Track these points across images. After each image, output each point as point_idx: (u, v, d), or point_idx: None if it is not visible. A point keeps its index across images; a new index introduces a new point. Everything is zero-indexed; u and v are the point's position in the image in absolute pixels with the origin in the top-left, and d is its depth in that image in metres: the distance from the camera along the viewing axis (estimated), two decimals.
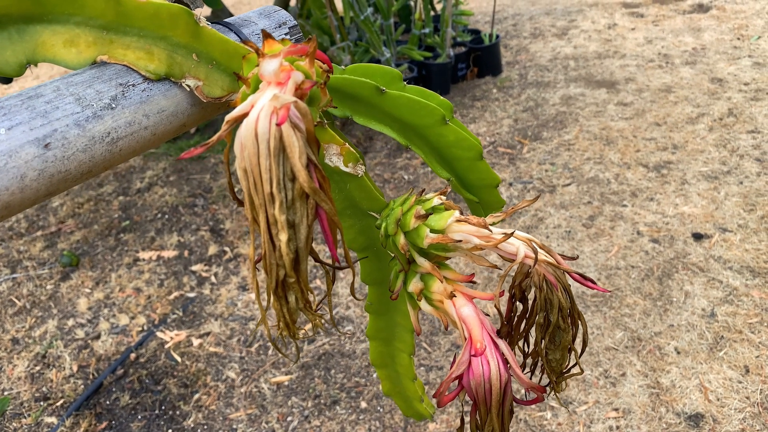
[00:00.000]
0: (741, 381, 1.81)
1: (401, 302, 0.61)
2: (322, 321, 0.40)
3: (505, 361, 0.46)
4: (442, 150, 0.54)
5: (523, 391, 0.47)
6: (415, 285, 0.52)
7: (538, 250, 0.45)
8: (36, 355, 2.23)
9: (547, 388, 0.49)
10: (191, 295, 2.43)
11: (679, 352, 1.93)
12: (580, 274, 0.46)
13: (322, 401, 1.94)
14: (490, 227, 0.47)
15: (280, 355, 2.13)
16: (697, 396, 1.79)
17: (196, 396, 2.01)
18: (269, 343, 2.18)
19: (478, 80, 3.98)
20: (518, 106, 3.59)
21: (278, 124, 0.32)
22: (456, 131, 0.53)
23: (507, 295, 0.50)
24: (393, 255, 0.54)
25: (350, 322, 2.21)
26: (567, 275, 0.46)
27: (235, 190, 0.41)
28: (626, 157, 2.93)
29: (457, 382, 0.47)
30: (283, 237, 0.34)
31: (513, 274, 0.49)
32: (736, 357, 1.88)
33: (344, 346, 2.12)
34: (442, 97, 0.54)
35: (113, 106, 0.43)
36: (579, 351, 0.49)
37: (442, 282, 0.49)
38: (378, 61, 3.57)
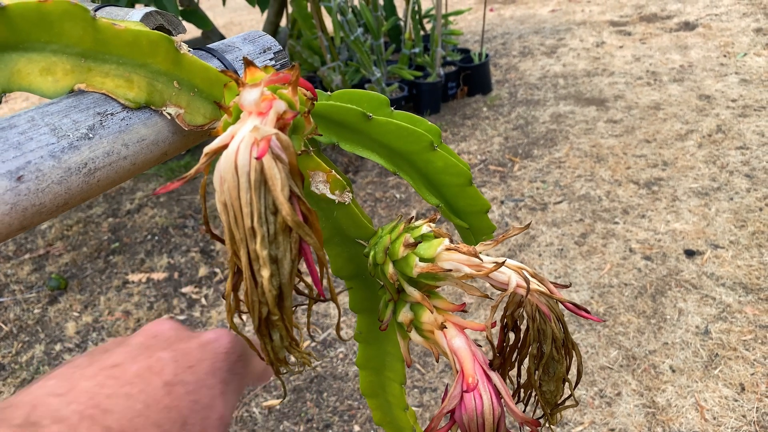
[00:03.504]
0: (737, 399, 1.79)
1: (391, 331, 0.60)
2: (310, 359, 0.39)
3: (498, 395, 0.44)
4: (430, 176, 0.53)
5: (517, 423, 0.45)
6: (404, 315, 0.50)
7: (530, 279, 0.44)
8: (23, 382, 2.19)
9: (542, 420, 0.48)
10: (181, 317, 2.40)
11: (674, 371, 1.92)
12: (574, 304, 0.45)
13: (314, 425, 1.90)
14: (481, 255, 0.46)
15: (271, 378, 2.09)
16: (694, 415, 1.77)
17: None
18: None
19: (469, 99, 3.99)
20: (508, 125, 3.60)
21: (258, 158, 0.30)
22: (444, 157, 0.52)
23: (499, 325, 0.48)
24: (382, 284, 0.53)
25: (342, 344, 2.18)
26: (560, 304, 0.45)
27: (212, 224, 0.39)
28: (617, 174, 2.93)
29: (449, 416, 0.46)
30: (266, 273, 0.32)
31: (505, 303, 0.47)
32: (732, 375, 1.87)
33: (336, 368, 2.09)
34: (430, 123, 0.53)
35: (91, 136, 0.42)
36: (574, 382, 0.47)
37: (432, 312, 0.48)
38: (369, 81, 3.58)
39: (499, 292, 0.47)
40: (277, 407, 1.98)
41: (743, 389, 1.82)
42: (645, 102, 3.61)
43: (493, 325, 0.45)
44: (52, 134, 0.40)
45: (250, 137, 0.32)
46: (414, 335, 0.50)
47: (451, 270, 0.46)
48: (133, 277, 2.65)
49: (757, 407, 1.76)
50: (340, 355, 2.14)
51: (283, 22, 3.79)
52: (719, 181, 2.77)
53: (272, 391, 2.04)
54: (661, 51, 4.31)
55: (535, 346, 0.45)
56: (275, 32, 3.51)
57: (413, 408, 1.66)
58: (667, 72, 3.96)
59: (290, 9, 3.73)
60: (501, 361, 0.47)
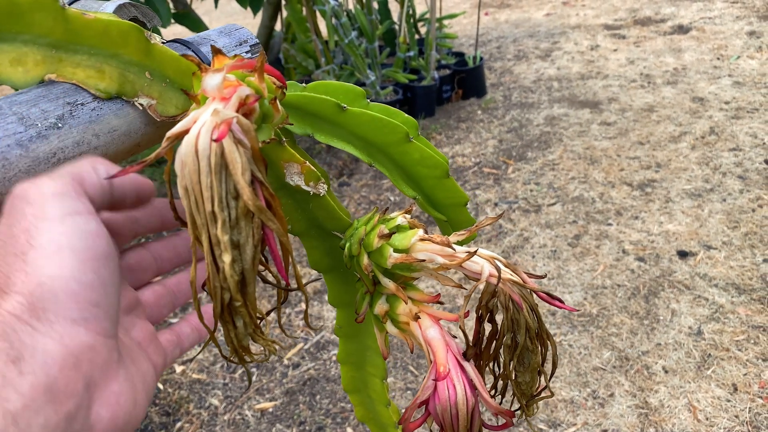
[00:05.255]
0: (729, 399, 1.79)
1: (370, 325, 0.59)
2: (275, 347, 0.38)
3: (473, 385, 0.44)
4: (407, 168, 0.53)
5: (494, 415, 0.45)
6: (380, 307, 0.50)
7: (502, 268, 0.44)
8: None
9: (518, 412, 0.48)
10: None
11: (667, 371, 1.91)
12: (547, 293, 0.44)
13: (307, 428, 1.90)
14: (454, 246, 0.46)
15: (264, 381, 2.09)
16: (686, 415, 1.77)
17: (179, 424, 1.96)
18: (254, 369, 2.14)
19: (463, 102, 4.00)
20: (503, 127, 3.60)
21: (216, 140, 0.30)
22: (421, 149, 0.51)
23: (474, 316, 0.48)
24: (359, 276, 0.52)
25: (335, 347, 2.17)
26: (534, 294, 0.45)
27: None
28: (610, 176, 2.94)
29: (423, 408, 0.46)
30: (227, 258, 0.32)
31: (480, 293, 0.47)
32: (724, 375, 1.87)
33: (329, 370, 2.09)
34: (406, 115, 0.53)
35: (60, 125, 0.42)
36: (549, 373, 0.47)
37: (406, 303, 0.48)
38: (363, 84, 3.58)
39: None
40: (270, 410, 1.97)
41: (736, 389, 1.82)
42: (639, 104, 3.61)
43: (466, 315, 0.45)
44: (20, 123, 0.40)
45: (212, 121, 0.32)
46: (390, 327, 0.50)
47: (425, 260, 0.46)
48: None
49: (749, 407, 1.76)
50: (333, 358, 2.13)
51: (278, 26, 3.80)
52: (712, 183, 2.78)
53: (265, 394, 2.04)
54: (655, 54, 4.32)
55: (510, 337, 0.45)
56: (270, 36, 3.51)
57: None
58: (660, 75, 3.97)
59: (285, 13, 3.74)
60: (476, 352, 0.46)
